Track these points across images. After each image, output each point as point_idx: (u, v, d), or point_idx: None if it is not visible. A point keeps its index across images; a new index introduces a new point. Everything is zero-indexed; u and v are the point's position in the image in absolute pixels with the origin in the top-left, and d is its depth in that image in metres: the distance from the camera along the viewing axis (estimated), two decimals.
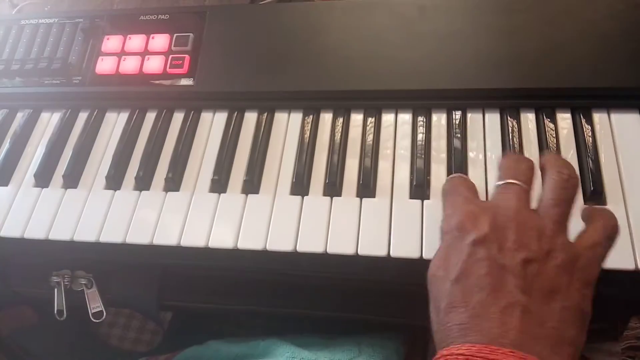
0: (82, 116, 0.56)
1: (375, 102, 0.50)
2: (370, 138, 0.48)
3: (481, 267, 0.30)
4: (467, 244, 0.31)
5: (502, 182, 0.33)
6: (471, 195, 0.34)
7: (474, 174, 0.45)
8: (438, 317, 0.31)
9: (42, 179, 0.52)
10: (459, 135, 0.47)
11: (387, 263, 0.42)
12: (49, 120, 0.57)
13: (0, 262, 0.54)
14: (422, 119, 0.48)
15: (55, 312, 0.53)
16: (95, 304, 0.52)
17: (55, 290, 0.53)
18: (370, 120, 0.50)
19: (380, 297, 0.48)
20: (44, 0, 0.92)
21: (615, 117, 0.46)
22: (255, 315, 0.64)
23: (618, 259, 0.39)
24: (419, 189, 0.44)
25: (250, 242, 0.45)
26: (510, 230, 0.30)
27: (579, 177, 0.34)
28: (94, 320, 0.52)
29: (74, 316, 0.53)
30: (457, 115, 0.48)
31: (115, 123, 0.55)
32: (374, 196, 0.45)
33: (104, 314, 0.52)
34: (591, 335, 0.58)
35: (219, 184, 0.48)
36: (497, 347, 0.27)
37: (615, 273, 0.39)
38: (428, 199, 0.44)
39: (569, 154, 0.44)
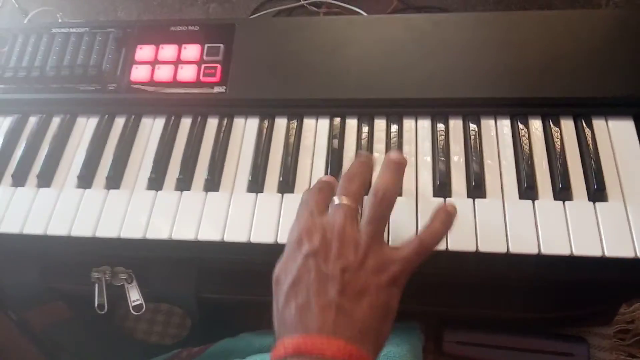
0: (119, 121, 0.59)
1: (397, 109, 0.55)
2: (393, 142, 0.53)
3: (310, 275, 0.37)
4: (302, 255, 0.38)
5: (337, 202, 0.41)
6: (316, 211, 0.41)
7: (490, 176, 0.50)
8: (278, 313, 0.38)
9: (85, 180, 0.55)
10: (473, 139, 0.52)
11: None
12: (86, 125, 0.60)
13: (41, 259, 0.57)
14: (440, 125, 0.53)
15: (96, 306, 0.56)
16: (135, 297, 0.56)
17: (96, 285, 0.56)
18: (393, 126, 0.54)
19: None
20: (55, 9, 0.95)
21: (612, 123, 0.52)
22: None
23: (618, 247, 0.45)
24: (442, 187, 0.49)
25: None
26: (334, 245, 0.38)
27: (395, 193, 0.41)
28: (134, 313, 0.55)
29: (106, 311, 0.56)
30: (472, 121, 0.53)
31: (152, 128, 0.58)
32: (400, 195, 0.50)
33: (144, 306, 0.56)
34: (587, 319, 0.64)
35: (256, 185, 0.52)
36: (316, 335, 0.35)
37: (613, 261, 0.45)
38: (450, 196, 0.49)
39: (573, 156, 0.50)
